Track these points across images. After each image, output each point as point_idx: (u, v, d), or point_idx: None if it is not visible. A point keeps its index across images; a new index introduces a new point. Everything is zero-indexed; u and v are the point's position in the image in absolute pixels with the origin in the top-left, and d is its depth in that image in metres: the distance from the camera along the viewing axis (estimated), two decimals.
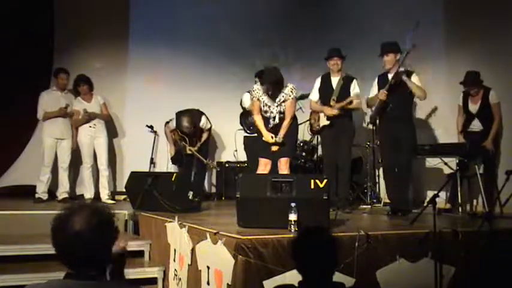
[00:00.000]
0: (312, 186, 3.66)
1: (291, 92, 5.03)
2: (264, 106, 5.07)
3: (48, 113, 6.33)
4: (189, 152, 6.64)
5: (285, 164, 5.02)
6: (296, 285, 2.33)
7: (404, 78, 5.18)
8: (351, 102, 5.56)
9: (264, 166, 5.05)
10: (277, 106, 5.03)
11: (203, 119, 6.80)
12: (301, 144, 6.85)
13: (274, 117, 5.05)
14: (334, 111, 5.53)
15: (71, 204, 1.85)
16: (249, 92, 6.26)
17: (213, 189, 7.52)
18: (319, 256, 2.25)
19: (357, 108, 5.78)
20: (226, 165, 7.34)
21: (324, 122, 5.68)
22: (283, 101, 5.02)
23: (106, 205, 1.87)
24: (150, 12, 7.54)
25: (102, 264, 1.79)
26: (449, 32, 6.60)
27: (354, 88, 5.63)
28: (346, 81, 5.65)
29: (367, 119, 6.85)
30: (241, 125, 6.84)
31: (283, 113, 5.05)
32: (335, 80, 5.69)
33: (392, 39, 5.49)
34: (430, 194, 5.72)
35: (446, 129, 6.52)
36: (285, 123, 5.04)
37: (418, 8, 6.89)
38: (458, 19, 6.46)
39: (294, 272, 3.01)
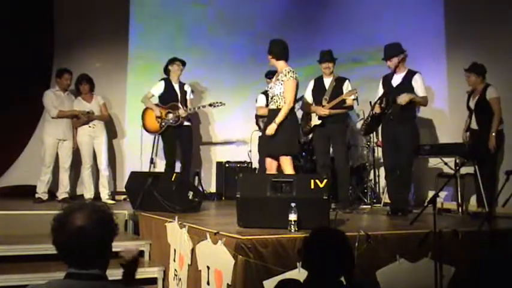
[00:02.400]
0: (312, 186, 3.66)
1: (288, 73, 4.83)
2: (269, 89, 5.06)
3: (63, 112, 6.30)
4: (183, 114, 6.42)
5: (287, 164, 4.83)
6: (299, 280, 2.33)
7: (405, 100, 5.08)
8: (344, 101, 5.61)
9: (269, 165, 5.01)
10: (274, 88, 4.94)
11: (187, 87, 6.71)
12: (302, 144, 6.85)
13: (272, 99, 4.97)
14: (326, 111, 5.58)
15: (71, 203, 1.87)
16: (263, 92, 6.33)
17: (213, 189, 7.52)
18: (331, 255, 2.25)
19: (350, 107, 5.81)
20: (227, 165, 7.34)
21: (315, 121, 5.73)
22: (280, 83, 4.86)
23: (105, 204, 1.89)
24: (150, 11, 7.54)
25: (103, 262, 1.80)
26: (449, 32, 6.60)
27: (347, 88, 5.71)
28: (339, 82, 5.75)
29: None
30: (257, 125, 6.77)
31: (277, 96, 4.89)
32: (327, 82, 5.81)
33: (392, 40, 5.49)
34: (430, 194, 5.73)
35: (446, 128, 6.53)
36: (282, 111, 4.80)
37: (418, 9, 6.90)
38: (459, 19, 6.46)
39: (294, 272, 3.03)
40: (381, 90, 5.45)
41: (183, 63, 6.66)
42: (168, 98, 6.57)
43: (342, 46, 6.68)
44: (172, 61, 6.63)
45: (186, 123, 6.59)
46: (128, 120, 7.34)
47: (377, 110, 5.29)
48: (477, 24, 6.16)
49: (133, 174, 5.53)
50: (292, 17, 7.97)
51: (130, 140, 7.31)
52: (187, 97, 6.69)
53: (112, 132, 7.08)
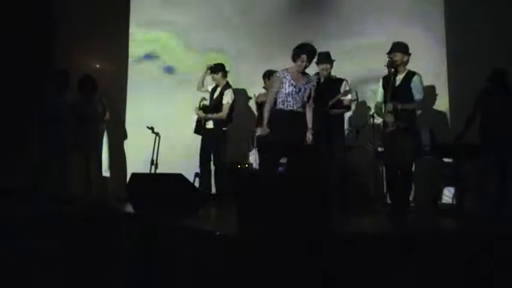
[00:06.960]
0: (311, 186, 3.66)
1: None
2: (288, 88, 4.96)
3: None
4: (197, 114, 6.48)
5: None
6: None
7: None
8: (341, 102, 5.56)
9: None
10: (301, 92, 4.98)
11: (227, 93, 6.47)
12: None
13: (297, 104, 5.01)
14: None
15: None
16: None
17: (213, 189, 7.51)
18: None
19: (347, 107, 5.80)
20: (227, 165, 7.33)
21: None
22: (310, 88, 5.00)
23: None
24: (150, 11, 7.55)
25: None
26: (449, 31, 6.61)
27: (345, 89, 5.66)
28: (337, 84, 5.67)
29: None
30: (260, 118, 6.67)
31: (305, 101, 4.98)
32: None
33: (392, 39, 5.49)
34: (431, 194, 5.74)
35: (446, 128, 6.54)
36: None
37: (419, 8, 6.91)
38: (459, 18, 6.47)
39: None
40: (381, 92, 5.43)
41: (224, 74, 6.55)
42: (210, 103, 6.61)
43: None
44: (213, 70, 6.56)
45: (208, 126, 6.49)
46: (128, 121, 7.34)
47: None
48: (478, 23, 6.18)
49: (134, 176, 5.52)
50: None
51: (131, 141, 7.31)
52: (224, 101, 6.46)
53: (113, 133, 7.08)
